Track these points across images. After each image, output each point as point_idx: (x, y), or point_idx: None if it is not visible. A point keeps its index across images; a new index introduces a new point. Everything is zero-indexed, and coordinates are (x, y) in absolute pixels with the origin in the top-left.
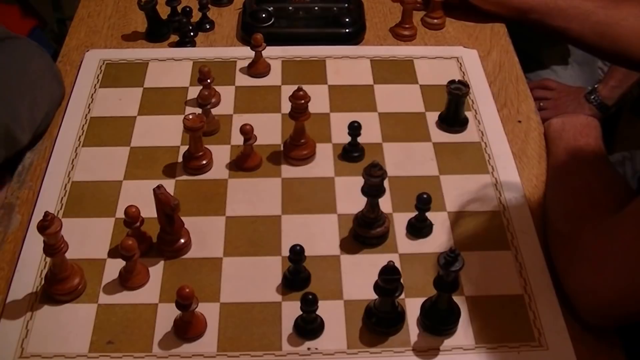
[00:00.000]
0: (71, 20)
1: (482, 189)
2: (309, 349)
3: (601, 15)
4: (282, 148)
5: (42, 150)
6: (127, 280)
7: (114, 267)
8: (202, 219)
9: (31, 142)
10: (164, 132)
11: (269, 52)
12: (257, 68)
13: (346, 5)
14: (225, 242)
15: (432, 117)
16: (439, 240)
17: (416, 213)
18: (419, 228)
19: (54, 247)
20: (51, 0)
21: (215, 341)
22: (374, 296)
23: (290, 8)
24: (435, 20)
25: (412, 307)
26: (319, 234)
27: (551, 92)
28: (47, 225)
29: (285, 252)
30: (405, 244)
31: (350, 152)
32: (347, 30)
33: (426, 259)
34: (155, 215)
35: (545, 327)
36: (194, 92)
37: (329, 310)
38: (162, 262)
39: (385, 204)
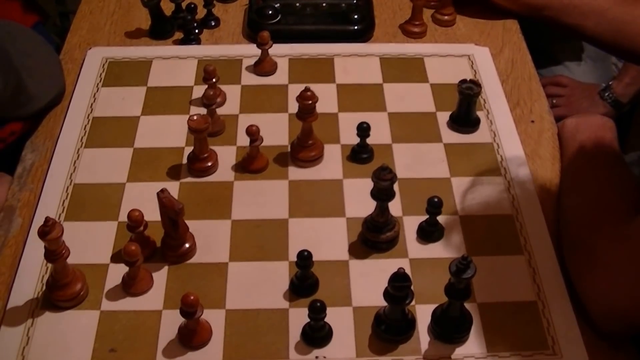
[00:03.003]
0: (74, 14)
1: (495, 191)
2: (317, 357)
3: (617, 12)
4: (289, 149)
5: (43, 151)
6: (130, 286)
7: (116, 273)
8: (207, 223)
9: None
10: (168, 132)
11: (276, 49)
12: (263, 66)
13: (355, 1)
14: (230, 246)
15: (443, 117)
16: (450, 244)
17: (427, 217)
18: (430, 232)
19: (55, 252)
20: None
21: (221, 349)
22: (384, 303)
23: (298, 4)
24: (446, 17)
25: (423, 314)
26: (327, 239)
27: (564, 89)
28: (48, 230)
29: (293, 257)
30: (415, 249)
31: (359, 154)
32: (355, 27)
33: (437, 263)
34: (159, 219)
35: (559, 334)
36: (198, 91)
37: (338, 318)
38: (166, 268)
39: (395, 207)
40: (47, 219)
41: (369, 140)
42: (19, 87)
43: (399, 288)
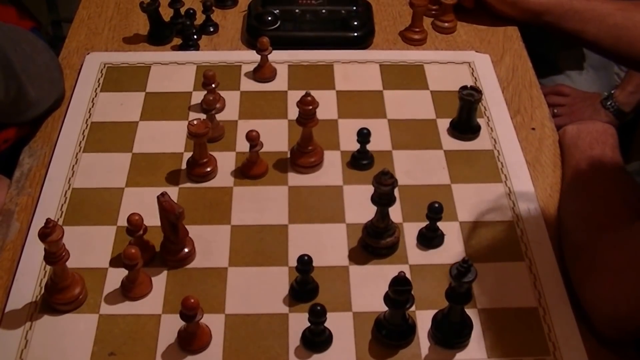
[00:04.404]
0: (66, 22)
1: (495, 198)
2: None
3: (619, 18)
4: (289, 155)
5: (41, 156)
6: (130, 290)
7: (116, 277)
8: (207, 228)
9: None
10: (167, 138)
11: (275, 56)
12: (263, 72)
13: (354, 8)
14: (230, 251)
15: (444, 124)
16: (450, 250)
17: (427, 223)
18: (430, 238)
19: (55, 255)
20: (46, 1)
21: (220, 353)
22: (384, 308)
23: (297, 11)
24: (446, 24)
25: (423, 319)
26: (327, 244)
27: (565, 98)
28: (49, 232)
29: (293, 262)
30: (416, 255)
31: (359, 160)
32: (355, 34)
33: (437, 270)
34: (159, 224)
35: (560, 340)
36: (197, 97)
37: (338, 322)
38: (165, 272)
39: (395, 213)
40: (47, 221)
41: (369, 147)
42: (20, 93)
43: (400, 292)
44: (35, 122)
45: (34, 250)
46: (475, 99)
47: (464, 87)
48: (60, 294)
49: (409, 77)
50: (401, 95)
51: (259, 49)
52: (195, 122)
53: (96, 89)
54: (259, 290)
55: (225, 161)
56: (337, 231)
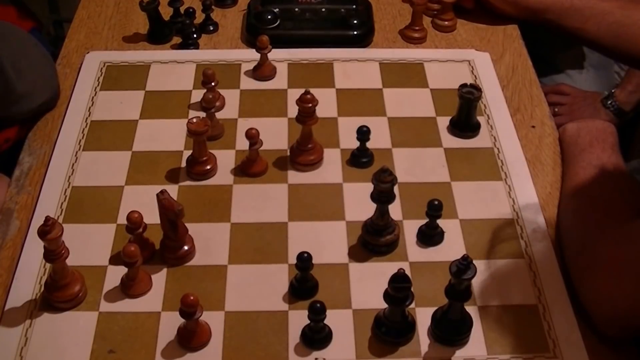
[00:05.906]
0: (68, 22)
1: (495, 196)
2: (316, 359)
3: (618, 16)
4: (288, 153)
5: (41, 155)
6: (129, 288)
7: (115, 274)
8: (207, 226)
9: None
10: (167, 136)
11: (275, 54)
12: (262, 71)
13: (354, 6)
14: (230, 249)
15: (443, 122)
16: (450, 248)
17: (427, 220)
18: (430, 236)
19: (54, 252)
20: (47, 1)
21: (220, 351)
22: (384, 305)
23: (297, 9)
24: (446, 23)
25: (423, 316)
26: (326, 242)
27: (566, 97)
28: (48, 230)
29: (292, 259)
30: (415, 252)
31: (359, 158)
32: (355, 33)
33: (437, 267)
34: (158, 222)
35: (560, 337)
36: (197, 95)
37: (337, 320)
38: (165, 270)
39: (395, 210)
40: (47, 219)
41: (368, 145)
42: (7, 88)
43: (399, 289)
44: (31, 122)
45: (34, 248)
46: (475, 97)
47: (464, 85)
48: (60, 291)
49: (408, 75)
50: (401, 93)
51: (258, 48)
52: (194, 120)
53: (96, 87)
54: (259, 288)
55: (225, 159)
56: (337, 229)
